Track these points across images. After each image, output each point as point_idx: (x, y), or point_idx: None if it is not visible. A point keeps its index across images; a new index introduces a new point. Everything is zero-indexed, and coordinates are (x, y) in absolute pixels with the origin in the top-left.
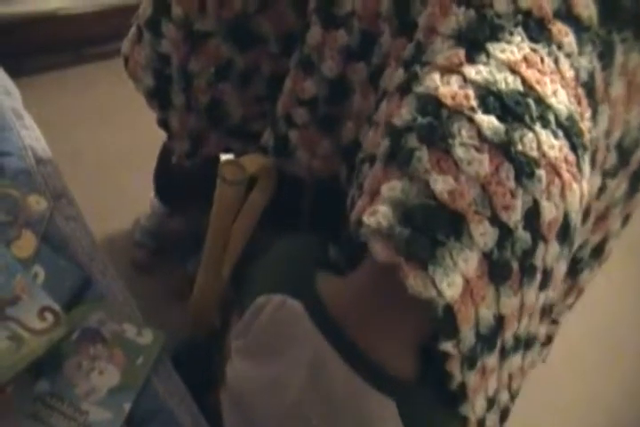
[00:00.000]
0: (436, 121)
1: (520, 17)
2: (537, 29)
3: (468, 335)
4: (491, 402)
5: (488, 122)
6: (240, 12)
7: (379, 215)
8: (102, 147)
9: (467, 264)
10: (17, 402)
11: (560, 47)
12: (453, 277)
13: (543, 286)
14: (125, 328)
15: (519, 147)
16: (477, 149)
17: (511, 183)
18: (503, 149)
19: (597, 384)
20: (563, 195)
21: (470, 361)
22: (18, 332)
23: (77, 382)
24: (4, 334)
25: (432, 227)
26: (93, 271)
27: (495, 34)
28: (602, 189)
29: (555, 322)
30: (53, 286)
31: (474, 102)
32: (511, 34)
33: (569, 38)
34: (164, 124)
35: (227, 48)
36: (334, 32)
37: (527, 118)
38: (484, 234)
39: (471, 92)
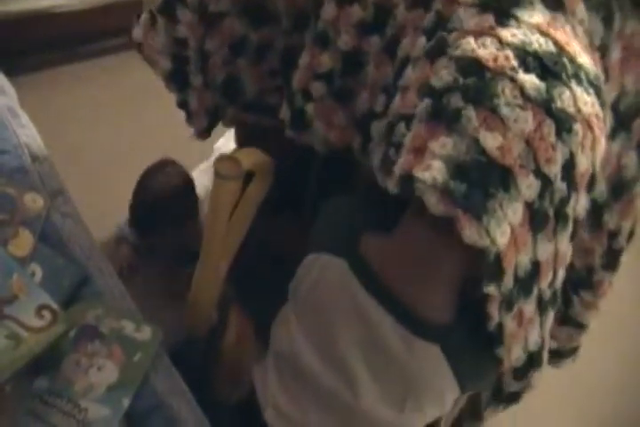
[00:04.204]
0: (480, 82)
1: None
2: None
3: (508, 278)
4: (532, 357)
5: (530, 81)
6: None
7: (433, 171)
8: (98, 144)
9: (514, 214)
10: (16, 400)
11: (573, 15)
12: (504, 227)
13: (573, 236)
14: (123, 325)
15: (559, 103)
16: (521, 108)
17: (552, 138)
18: (545, 106)
19: (596, 368)
20: (593, 148)
21: (508, 303)
22: (16, 330)
23: (76, 380)
24: (2, 332)
25: (484, 181)
26: (91, 269)
27: (517, 2)
28: None
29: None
30: (51, 284)
31: (514, 63)
32: (531, 3)
33: (580, 6)
34: (183, 105)
35: (241, 25)
36: (349, 8)
37: (564, 76)
38: (529, 186)
39: (510, 54)
